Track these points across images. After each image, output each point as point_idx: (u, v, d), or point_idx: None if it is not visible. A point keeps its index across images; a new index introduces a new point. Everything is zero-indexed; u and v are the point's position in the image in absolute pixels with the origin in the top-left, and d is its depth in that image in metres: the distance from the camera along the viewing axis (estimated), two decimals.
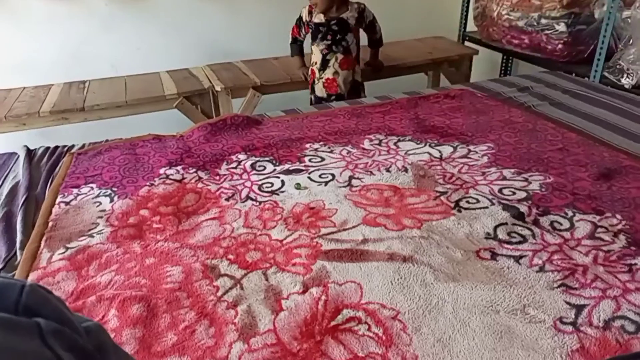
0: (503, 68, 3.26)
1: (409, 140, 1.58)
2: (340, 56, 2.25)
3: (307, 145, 1.56)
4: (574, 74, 2.29)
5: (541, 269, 0.98)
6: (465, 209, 1.19)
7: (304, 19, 2.31)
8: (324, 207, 1.22)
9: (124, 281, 0.98)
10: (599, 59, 2.25)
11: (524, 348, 0.80)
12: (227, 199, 1.28)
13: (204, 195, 1.30)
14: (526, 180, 1.31)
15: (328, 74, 2.29)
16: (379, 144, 1.56)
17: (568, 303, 0.89)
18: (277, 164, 1.46)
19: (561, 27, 2.37)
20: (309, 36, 2.34)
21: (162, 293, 0.94)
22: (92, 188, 1.35)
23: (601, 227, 1.10)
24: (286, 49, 2.49)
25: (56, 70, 2.58)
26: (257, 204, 1.25)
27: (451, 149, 1.51)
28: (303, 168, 1.43)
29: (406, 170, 1.39)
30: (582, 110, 1.78)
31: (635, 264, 0.98)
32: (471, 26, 3.12)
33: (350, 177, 1.36)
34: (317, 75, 2.32)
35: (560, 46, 2.41)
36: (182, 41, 2.84)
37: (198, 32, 2.87)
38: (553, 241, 1.06)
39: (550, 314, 0.87)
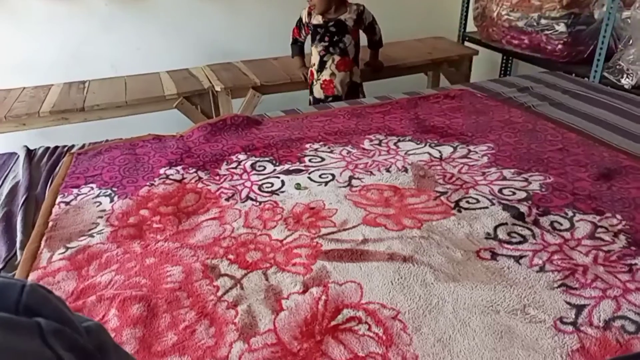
0: (503, 68, 3.27)
1: (409, 140, 1.59)
2: (337, 58, 2.25)
3: (307, 146, 1.56)
4: (573, 75, 2.29)
5: (541, 269, 0.98)
6: (466, 209, 1.19)
7: (303, 21, 2.31)
8: (324, 207, 1.22)
9: (124, 281, 0.98)
10: (598, 60, 2.25)
11: (524, 348, 0.80)
12: (227, 199, 1.28)
13: (204, 195, 1.29)
14: (526, 180, 1.31)
15: (325, 75, 2.29)
16: (379, 144, 1.56)
17: (568, 303, 0.89)
18: (277, 164, 1.46)
19: (561, 27, 2.37)
20: (309, 37, 2.34)
21: (162, 293, 0.94)
22: (92, 188, 1.35)
23: (601, 227, 1.10)
24: (286, 49, 2.50)
25: (56, 70, 2.58)
26: (257, 204, 1.25)
27: (451, 149, 1.51)
28: (303, 168, 1.43)
29: (406, 170, 1.39)
30: (582, 110, 1.78)
31: (636, 264, 0.98)
32: (471, 26, 3.13)
33: (350, 177, 1.36)
34: (315, 76, 2.32)
35: (560, 46, 2.41)
36: (182, 41, 2.84)
37: (198, 32, 2.87)
38: (553, 241, 1.06)
39: (551, 314, 0.87)
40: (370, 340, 0.82)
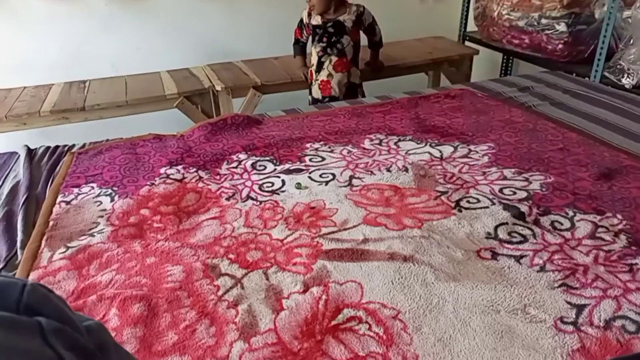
0: (503, 68, 3.26)
1: (410, 140, 1.58)
2: (334, 58, 2.25)
3: (308, 145, 1.56)
4: (574, 74, 2.29)
5: (542, 269, 0.98)
6: (466, 208, 1.19)
7: (304, 21, 2.31)
8: (325, 206, 1.22)
9: (125, 280, 0.98)
10: (599, 59, 2.24)
11: (525, 348, 0.80)
12: (228, 199, 1.28)
13: (204, 195, 1.30)
14: (527, 180, 1.31)
15: (323, 75, 2.29)
16: (380, 144, 1.56)
17: (569, 303, 0.89)
18: (278, 163, 1.46)
19: (561, 27, 2.37)
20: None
21: (162, 292, 0.94)
22: (92, 187, 1.35)
23: (602, 227, 1.10)
24: (286, 49, 2.50)
25: (57, 70, 2.58)
26: (258, 203, 1.25)
27: (452, 149, 1.51)
28: (303, 168, 1.43)
29: (407, 170, 1.39)
30: (582, 110, 1.78)
31: (636, 264, 0.98)
32: (471, 26, 3.12)
33: (351, 177, 1.36)
34: (314, 76, 2.33)
35: (560, 46, 2.41)
36: (182, 41, 2.84)
37: (198, 32, 2.87)
38: (554, 241, 1.06)
39: (551, 313, 0.87)
40: (371, 339, 0.82)
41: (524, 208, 1.17)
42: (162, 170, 1.42)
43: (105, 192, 1.32)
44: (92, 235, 1.14)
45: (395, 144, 1.56)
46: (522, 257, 1.02)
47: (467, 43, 3.16)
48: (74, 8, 2.63)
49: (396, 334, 0.83)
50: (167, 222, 1.18)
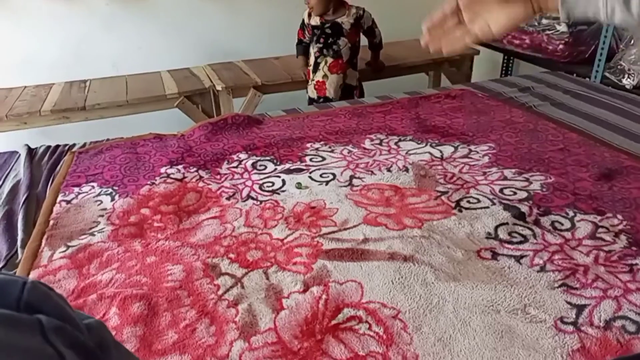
0: (504, 68, 3.26)
1: (410, 140, 1.58)
2: (329, 60, 2.25)
3: (308, 145, 1.56)
4: (575, 75, 2.29)
5: (542, 269, 0.98)
6: (466, 208, 1.19)
7: (305, 22, 2.31)
8: (325, 206, 1.22)
9: (125, 279, 0.98)
10: (600, 60, 2.25)
11: (525, 348, 0.80)
12: (228, 198, 1.28)
13: (204, 194, 1.30)
14: (527, 180, 1.31)
15: (318, 76, 2.30)
16: (380, 144, 1.56)
17: (569, 303, 0.89)
18: (278, 163, 1.46)
19: (562, 27, 2.37)
20: None
21: (162, 291, 0.94)
22: (93, 187, 1.35)
23: (602, 227, 1.10)
24: (286, 49, 2.50)
25: (57, 69, 2.58)
26: (258, 203, 1.25)
27: (452, 149, 1.51)
28: (304, 167, 1.43)
29: (407, 170, 1.39)
30: (583, 110, 1.78)
31: (636, 264, 0.98)
32: None
33: (351, 177, 1.36)
34: (310, 76, 2.33)
35: (561, 46, 2.41)
36: (183, 41, 2.85)
37: (199, 32, 2.87)
38: (554, 241, 1.06)
39: (551, 313, 0.87)
40: (371, 339, 0.82)
41: (524, 208, 1.17)
42: (162, 170, 1.42)
43: (106, 191, 1.32)
44: (92, 234, 1.14)
45: (396, 144, 1.56)
46: (522, 257, 1.02)
47: None
48: (74, 7, 2.63)
49: (396, 333, 0.83)
50: (167, 221, 1.18)
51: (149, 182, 1.36)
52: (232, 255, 1.05)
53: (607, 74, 2.23)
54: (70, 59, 2.67)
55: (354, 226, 1.13)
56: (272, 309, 0.90)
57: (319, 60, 2.27)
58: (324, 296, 0.92)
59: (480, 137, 1.58)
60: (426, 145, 1.54)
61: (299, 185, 1.32)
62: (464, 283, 0.94)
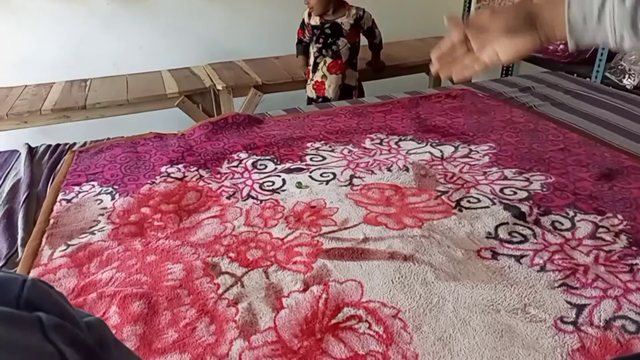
0: (504, 68, 3.26)
1: (410, 139, 1.58)
2: (328, 60, 2.25)
3: (309, 144, 1.56)
4: (575, 75, 2.29)
5: (542, 269, 0.98)
6: (466, 208, 1.19)
7: (305, 21, 2.31)
8: (325, 205, 1.22)
9: (125, 278, 0.98)
10: (600, 60, 2.25)
11: (525, 347, 0.80)
12: (228, 198, 1.28)
13: (205, 194, 1.30)
14: (527, 180, 1.31)
15: (317, 76, 2.30)
16: (380, 144, 1.56)
17: (569, 302, 0.89)
18: (278, 162, 1.46)
19: None
20: None
21: (162, 290, 0.94)
22: (93, 186, 1.35)
23: (602, 227, 1.10)
24: (287, 49, 2.50)
25: (58, 68, 2.58)
26: (258, 202, 1.25)
27: (452, 149, 1.51)
28: (304, 167, 1.43)
29: (407, 169, 1.39)
30: (583, 110, 1.78)
31: (636, 264, 0.98)
32: None
33: (352, 176, 1.36)
34: (310, 76, 2.33)
35: (561, 46, 2.41)
36: (183, 40, 2.85)
37: (199, 32, 2.87)
38: (554, 241, 1.06)
39: (551, 313, 0.87)
40: (371, 338, 0.82)
41: (524, 208, 1.17)
42: (162, 169, 1.42)
43: (106, 190, 1.32)
44: (92, 233, 1.14)
45: (396, 143, 1.56)
46: (522, 256, 1.02)
47: None
48: (75, 7, 2.63)
49: (396, 332, 0.83)
50: (167, 220, 1.18)
51: (149, 181, 1.36)
52: (232, 254, 1.05)
53: (607, 74, 2.23)
54: (70, 58, 2.67)
55: (354, 225, 1.13)
56: (272, 308, 0.90)
57: (318, 60, 2.27)
58: (324, 295, 0.92)
59: (480, 137, 1.58)
60: (426, 144, 1.54)
61: (299, 185, 1.32)
62: (464, 282, 0.94)
